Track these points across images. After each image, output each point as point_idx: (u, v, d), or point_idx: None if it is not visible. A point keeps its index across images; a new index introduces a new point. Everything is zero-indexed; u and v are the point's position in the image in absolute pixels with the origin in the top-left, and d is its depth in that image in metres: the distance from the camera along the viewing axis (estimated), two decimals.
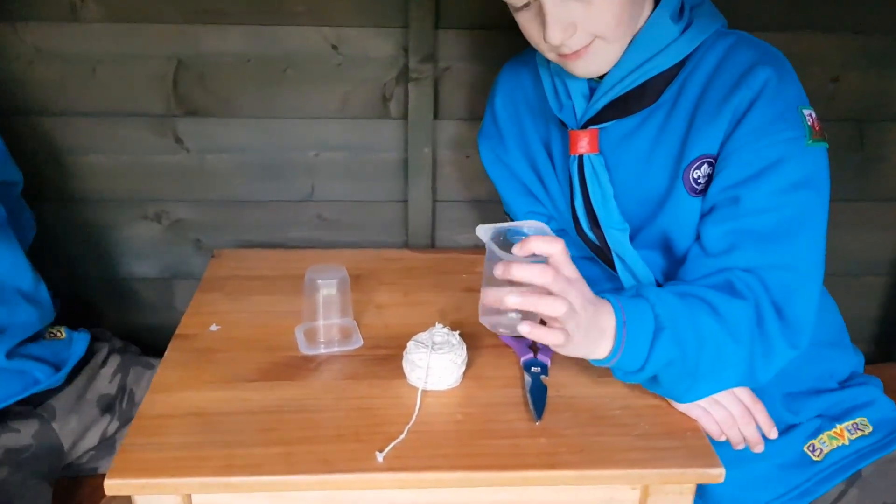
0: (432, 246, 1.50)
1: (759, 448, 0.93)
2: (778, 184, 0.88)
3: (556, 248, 0.78)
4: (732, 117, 0.90)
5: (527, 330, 0.80)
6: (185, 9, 1.30)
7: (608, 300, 0.84)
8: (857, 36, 1.40)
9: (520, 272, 0.77)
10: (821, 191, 0.90)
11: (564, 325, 0.79)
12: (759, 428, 0.93)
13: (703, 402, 0.91)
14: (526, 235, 0.82)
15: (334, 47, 1.35)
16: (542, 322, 0.82)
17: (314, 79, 1.37)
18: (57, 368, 1.14)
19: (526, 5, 0.89)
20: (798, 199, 0.89)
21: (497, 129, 1.18)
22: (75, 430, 1.19)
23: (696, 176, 0.93)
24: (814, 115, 0.90)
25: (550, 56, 0.94)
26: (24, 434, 1.12)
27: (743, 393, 0.93)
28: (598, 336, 0.83)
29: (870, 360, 1.28)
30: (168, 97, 1.36)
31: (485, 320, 0.88)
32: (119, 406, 1.24)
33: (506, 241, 0.84)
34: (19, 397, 1.10)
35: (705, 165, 0.93)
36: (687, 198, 0.94)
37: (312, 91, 1.38)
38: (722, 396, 0.91)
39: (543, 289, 0.77)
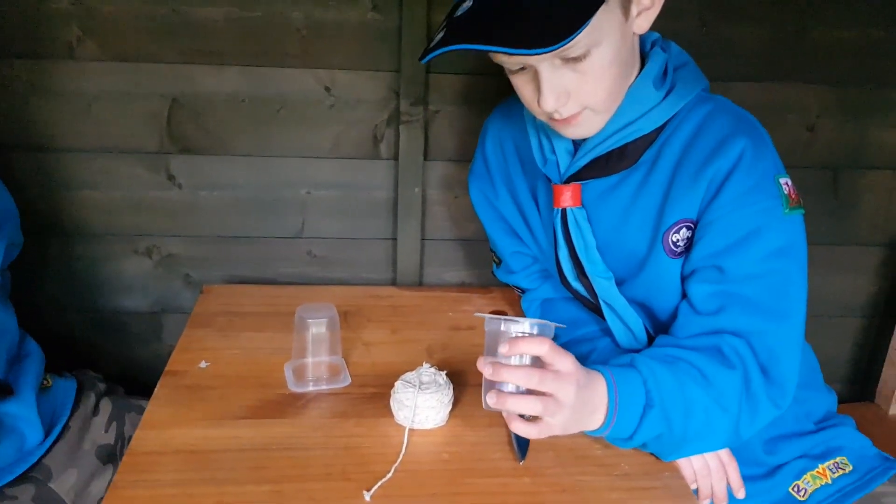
0: (420, 284, 1.53)
1: None
2: (759, 252, 0.91)
3: (543, 349, 0.82)
4: (710, 185, 0.92)
5: (514, 426, 0.85)
6: (182, 49, 1.33)
7: (602, 374, 0.87)
8: (834, 87, 1.45)
9: (507, 375, 0.82)
10: (799, 256, 0.93)
11: (551, 418, 0.83)
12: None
13: None
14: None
15: (327, 89, 1.38)
16: None
17: (307, 119, 1.40)
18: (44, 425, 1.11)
19: (522, 69, 0.90)
20: (780, 266, 0.92)
21: (487, 171, 1.20)
22: (76, 484, 1.13)
23: (675, 239, 0.96)
24: (790, 182, 0.93)
25: (541, 118, 0.96)
26: (22, 501, 1.06)
27: (722, 450, 0.97)
28: (591, 413, 0.87)
29: (842, 400, 1.32)
30: (162, 135, 1.38)
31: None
32: (121, 454, 1.20)
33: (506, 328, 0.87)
34: (12, 461, 1.06)
35: (684, 229, 0.96)
36: (667, 259, 0.98)
37: (305, 131, 1.41)
38: None
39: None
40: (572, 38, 0.77)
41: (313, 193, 1.46)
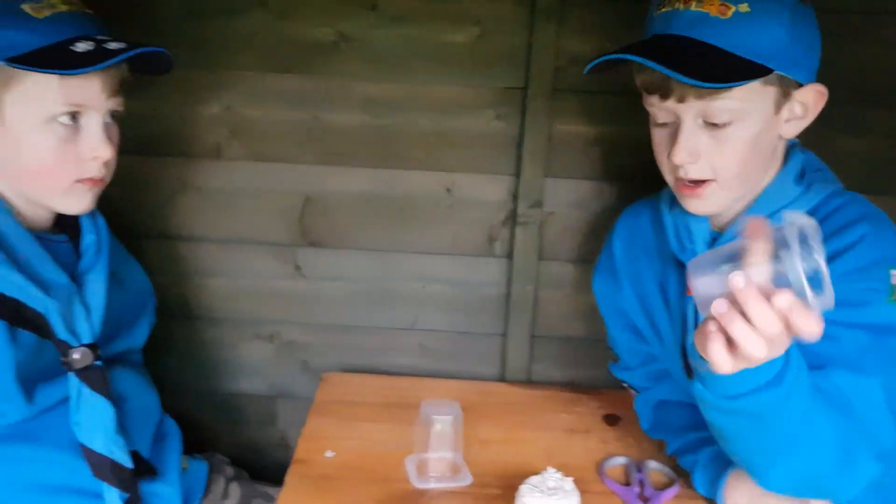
0: (529, 380, 1.55)
1: None
2: (861, 320, 0.91)
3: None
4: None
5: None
6: (317, 151, 1.43)
7: None
8: None
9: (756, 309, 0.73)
10: None
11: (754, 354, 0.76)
12: None
13: None
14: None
15: (448, 190, 1.46)
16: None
17: (427, 218, 1.47)
18: None
19: (664, 124, 0.98)
20: (883, 342, 0.91)
21: (612, 268, 1.25)
22: None
23: None
24: None
25: (669, 179, 1.02)
26: None
27: None
28: None
29: None
30: (293, 228, 1.47)
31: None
32: None
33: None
34: None
35: None
36: None
37: (424, 229, 1.48)
38: None
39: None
40: (733, 85, 0.87)
41: (428, 288, 1.52)
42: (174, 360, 1.54)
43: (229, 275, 1.50)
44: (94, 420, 0.99)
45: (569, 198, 1.46)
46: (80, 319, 0.99)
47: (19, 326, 0.95)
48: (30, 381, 0.97)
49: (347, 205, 1.46)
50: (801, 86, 0.95)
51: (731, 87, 0.89)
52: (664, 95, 0.95)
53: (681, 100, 0.94)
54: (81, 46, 0.94)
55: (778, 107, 0.95)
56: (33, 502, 1.00)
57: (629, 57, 0.92)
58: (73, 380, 0.99)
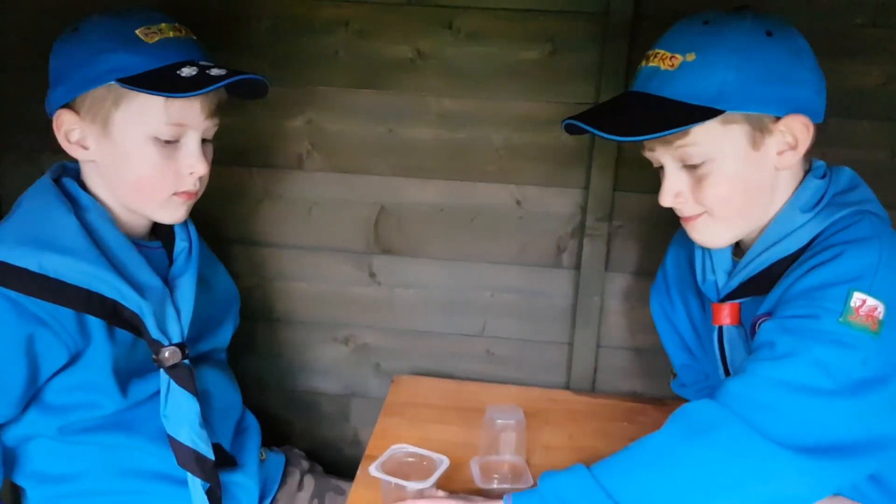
0: (593, 389, 1.58)
1: None
2: (798, 331, 0.91)
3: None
4: (795, 278, 0.96)
5: None
6: (393, 164, 1.49)
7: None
8: None
9: None
10: (837, 378, 0.88)
11: None
12: None
13: None
14: None
15: (518, 203, 1.50)
16: None
17: (497, 228, 1.52)
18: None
19: (660, 167, 1.04)
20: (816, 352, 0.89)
21: (666, 285, 1.28)
22: None
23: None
24: (871, 303, 0.89)
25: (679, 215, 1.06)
26: None
27: None
28: None
29: None
30: (369, 237, 1.54)
31: None
32: None
33: None
34: None
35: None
36: None
37: (494, 239, 1.53)
38: None
39: None
40: (641, 138, 0.95)
41: (496, 296, 1.56)
42: (256, 359, 1.62)
43: (308, 280, 1.58)
44: (180, 414, 1.07)
45: (637, 211, 1.49)
46: (171, 320, 1.07)
47: (117, 326, 1.04)
48: (125, 377, 1.06)
49: (420, 215, 1.52)
50: (778, 119, 0.96)
51: (667, 135, 0.94)
52: (642, 147, 1.04)
53: (652, 150, 1.02)
54: (186, 71, 1.01)
55: (756, 142, 0.96)
56: (125, 486, 1.09)
57: (567, 122, 1.04)
58: (163, 376, 1.06)
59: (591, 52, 1.41)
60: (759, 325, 0.99)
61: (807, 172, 1.03)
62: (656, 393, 1.55)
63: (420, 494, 1.03)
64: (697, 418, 0.91)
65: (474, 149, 1.48)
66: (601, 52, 1.40)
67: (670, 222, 1.43)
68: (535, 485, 1.12)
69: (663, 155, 1.01)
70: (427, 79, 1.45)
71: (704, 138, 0.95)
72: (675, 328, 1.27)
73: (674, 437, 0.91)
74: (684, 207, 1.03)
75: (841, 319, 0.89)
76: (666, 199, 1.03)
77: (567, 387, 1.59)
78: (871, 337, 0.88)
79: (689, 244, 1.21)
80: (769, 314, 0.98)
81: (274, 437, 1.54)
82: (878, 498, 1.00)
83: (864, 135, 1.37)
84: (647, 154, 1.04)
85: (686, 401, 1.27)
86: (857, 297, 0.90)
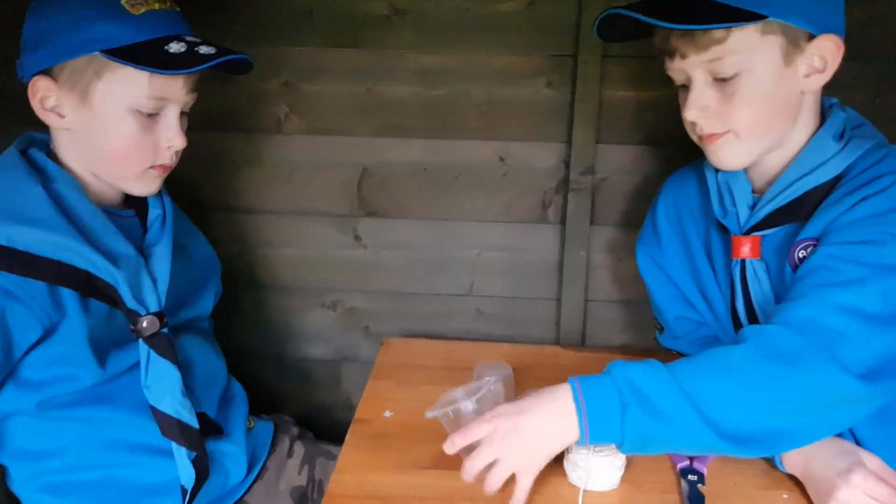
0: (582, 344, 1.58)
1: None
2: (863, 258, 0.91)
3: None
4: (845, 207, 0.96)
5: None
6: (374, 124, 1.47)
7: (568, 384, 0.94)
8: None
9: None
10: None
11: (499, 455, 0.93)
12: None
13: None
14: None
15: (501, 159, 1.48)
16: None
17: (481, 186, 1.50)
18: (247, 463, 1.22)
19: (683, 86, 1.02)
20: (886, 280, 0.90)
21: (656, 237, 1.26)
22: None
23: (801, 255, 1.00)
24: None
25: (693, 138, 1.05)
26: None
27: (873, 461, 0.94)
28: (552, 425, 0.93)
29: None
30: (352, 199, 1.52)
31: None
32: (312, 497, 1.31)
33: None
34: (218, 497, 1.17)
35: (811, 248, 0.99)
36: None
37: (479, 197, 1.51)
38: (853, 496, 0.91)
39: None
40: (709, 27, 0.92)
41: (484, 255, 1.55)
42: (243, 326, 1.61)
43: (293, 245, 1.56)
44: (161, 384, 1.06)
45: (620, 163, 1.47)
46: (147, 290, 1.05)
47: (91, 297, 1.02)
48: (102, 348, 1.04)
49: (404, 175, 1.50)
50: (813, 37, 0.96)
51: (713, 30, 0.92)
52: (671, 56, 0.99)
53: (683, 57, 0.98)
54: (174, 47, 1.00)
55: (788, 59, 0.96)
56: (110, 459, 1.08)
57: (611, 11, 0.98)
58: (142, 346, 1.05)
59: (568, 3, 1.38)
60: (808, 251, 0.99)
61: (823, 106, 1.05)
62: (646, 346, 1.55)
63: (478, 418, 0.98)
64: (776, 342, 0.89)
65: (455, 105, 1.45)
66: (578, 2, 1.37)
67: (654, 173, 1.44)
68: None
69: (695, 66, 0.98)
70: (403, 35, 1.42)
71: (741, 46, 0.94)
72: (670, 278, 1.25)
73: (754, 356, 0.90)
74: (706, 124, 1.00)
75: None
76: (691, 113, 1.00)
77: (557, 342, 1.59)
78: None
79: (691, 186, 1.21)
80: (815, 241, 0.98)
81: (264, 405, 1.54)
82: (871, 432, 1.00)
83: (845, 76, 1.34)
84: (677, 65, 1.00)
85: (680, 354, 1.27)
86: None
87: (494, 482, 0.94)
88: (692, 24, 0.92)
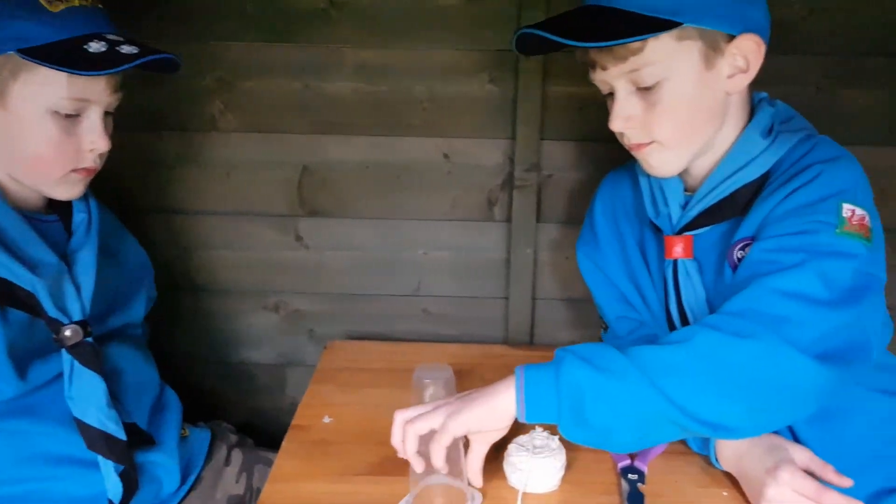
0: (531, 342, 1.56)
1: None
2: (799, 246, 0.91)
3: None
4: (775, 202, 0.96)
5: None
6: (313, 121, 1.43)
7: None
8: None
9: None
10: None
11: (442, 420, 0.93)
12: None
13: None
14: None
15: (446, 156, 1.46)
16: None
17: (426, 184, 1.47)
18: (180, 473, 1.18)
19: (610, 94, 1.01)
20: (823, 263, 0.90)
21: (594, 237, 1.24)
22: None
23: (739, 256, 0.99)
24: (858, 211, 0.92)
25: (624, 144, 1.04)
26: None
27: (802, 455, 0.93)
28: (492, 395, 0.93)
29: None
30: (293, 199, 1.48)
31: None
32: None
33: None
34: None
35: (748, 247, 0.98)
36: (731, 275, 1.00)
37: (424, 195, 1.48)
38: (781, 493, 0.90)
39: None
40: (618, 43, 0.90)
41: (430, 254, 1.52)
42: (183, 332, 1.57)
43: (232, 247, 1.52)
44: (86, 394, 1.01)
45: (565, 160, 1.45)
46: (69, 297, 1.01)
47: (9, 306, 0.97)
48: (23, 359, 0.99)
49: (346, 174, 1.47)
50: (733, 37, 0.94)
51: (624, 44, 0.91)
52: (592, 67, 0.99)
53: (604, 69, 0.97)
54: (94, 47, 0.95)
55: (709, 62, 0.95)
56: (33, 472, 1.03)
57: (524, 31, 0.97)
58: (65, 356, 1.01)
59: None
60: (745, 250, 0.98)
61: (752, 102, 1.04)
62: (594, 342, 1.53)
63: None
64: (728, 327, 0.88)
65: (397, 102, 1.42)
66: None
67: (599, 170, 1.42)
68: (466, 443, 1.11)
69: (616, 77, 0.97)
70: (342, 29, 1.39)
71: (659, 55, 0.93)
72: (609, 279, 1.24)
73: (710, 336, 0.88)
74: (633, 134, 1.00)
75: (838, 231, 0.91)
76: (616, 124, 0.99)
77: (505, 341, 1.56)
78: (865, 245, 0.91)
79: (626, 185, 1.20)
80: (752, 239, 0.98)
81: (206, 412, 1.48)
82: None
83: (788, 69, 1.35)
84: (599, 76, 0.99)
85: None
86: (847, 208, 0.92)
87: (436, 448, 0.92)
88: (604, 41, 0.91)
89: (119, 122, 1.09)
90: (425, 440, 0.94)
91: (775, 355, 0.87)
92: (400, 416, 0.97)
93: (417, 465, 0.95)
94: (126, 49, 0.97)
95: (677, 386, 0.86)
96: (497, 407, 0.92)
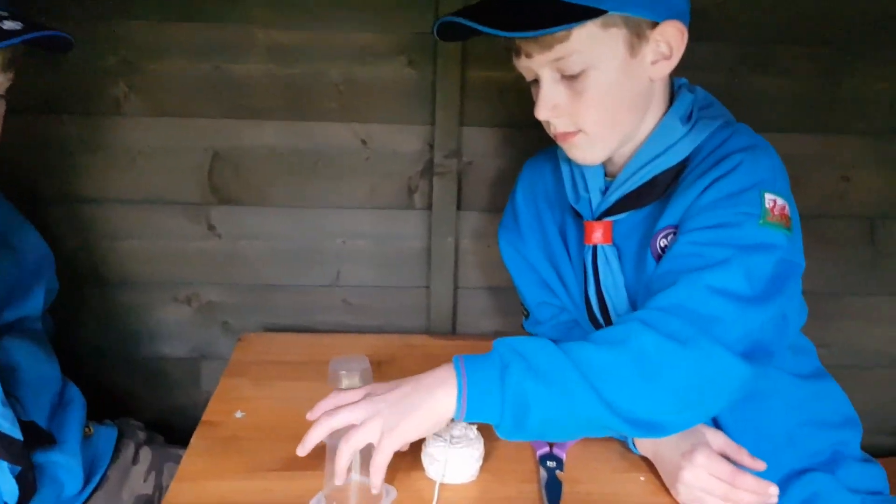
0: (453, 332, 1.54)
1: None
2: (724, 240, 0.91)
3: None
4: (697, 191, 0.95)
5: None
6: (224, 105, 1.38)
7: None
8: (868, 137, 1.45)
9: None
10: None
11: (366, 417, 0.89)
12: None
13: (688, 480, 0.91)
14: None
15: (363, 142, 1.42)
16: None
17: (344, 171, 1.43)
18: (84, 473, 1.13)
19: (535, 81, 0.99)
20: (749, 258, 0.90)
21: (516, 223, 1.23)
22: None
23: (662, 245, 0.99)
24: (779, 201, 0.93)
25: (550, 133, 1.02)
26: None
27: (717, 438, 0.94)
28: (428, 392, 0.89)
29: (880, 453, 1.27)
30: (204, 186, 1.42)
31: None
32: None
33: None
34: None
35: (672, 235, 0.98)
36: (654, 264, 1.00)
37: (341, 182, 1.44)
38: (697, 476, 0.90)
39: None
40: (541, 33, 0.89)
41: (349, 243, 1.49)
42: (90, 327, 1.49)
43: (140, 237, 1.45)
44: None
45: (486, 146, 1.44)
46: None
47: None
48: None
49: (259, 160, 1.42)
50: (656, 24, 0.94)
51: (551, 33, 0.89)
52: (517, 54, 0.97)
53: (529, 56, 0.95)
54: None
55: (634, 49, 0.94)
56: None
57: (446, 19, 0.95)
58: None
59: None
60: (668, 239, 0.98)
61: (671, 88, 1.04)
62: (517, 331, 1.52)
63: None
64: (660, 325, 0.87)
65: (311, 85, 1.38)
66: None
67: (521, 156, 1.40)
68: None
69: (541, 65, 0.95)
70: (251, 9, 1.34)
71: (584, 43, 0.91)
72: (530, 265, 1.23)
73: (646, 341, 0.87)
74: (560, 122, 0.98)
75: (761, 222, 0.91)
76: (542, 112, 0.97)
77: (428, 331, 1.54)
78: (786, 235, 0.91)
79: (547, 171, 1.19)
80: (675, 228, 0.97)
81: (115, 409, 1.42)
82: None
83: (703, 56, 1.36)
84: (523, 63, 0.97)
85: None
86: (769, 198, 0.92)
87: (346, 447, 0.88)
88: (530, 31, 0.89)
89: (14, 106, 1.01)
90: (338, 434, 0.91)
91: (710, 359, 0.86)
92: (325, 420, 0.92)
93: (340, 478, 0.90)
94: (8, 25, 0.89)
95: (616, 390, 0.85)
96: (435, 410, 0.88)
